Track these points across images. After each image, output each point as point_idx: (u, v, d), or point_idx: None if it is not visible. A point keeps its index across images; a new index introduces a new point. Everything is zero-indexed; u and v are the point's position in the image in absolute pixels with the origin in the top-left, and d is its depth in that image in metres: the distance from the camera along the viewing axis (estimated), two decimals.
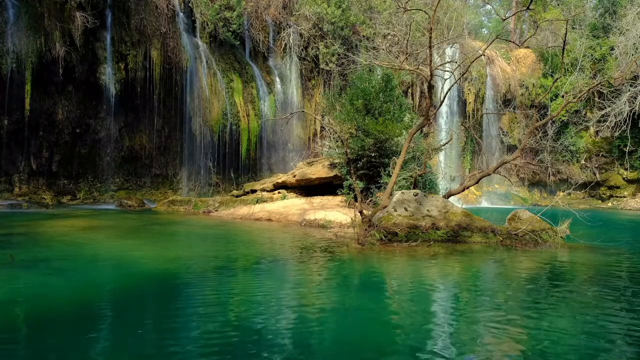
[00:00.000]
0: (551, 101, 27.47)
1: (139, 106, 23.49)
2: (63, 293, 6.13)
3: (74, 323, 5.00)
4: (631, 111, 25.15)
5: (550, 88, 14.86)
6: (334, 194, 17.57)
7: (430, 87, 11.96)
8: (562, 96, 25.74)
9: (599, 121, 26.95)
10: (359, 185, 13.75)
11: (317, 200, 17.68)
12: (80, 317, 5.18)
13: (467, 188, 14.22)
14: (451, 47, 28.53)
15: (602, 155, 29.20)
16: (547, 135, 23.09)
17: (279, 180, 19.78)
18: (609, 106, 25.39)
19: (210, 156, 24.24)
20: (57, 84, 21.38)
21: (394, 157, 14.76)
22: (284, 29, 26.88)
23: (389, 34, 27.30)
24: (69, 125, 22.29)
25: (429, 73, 11.33)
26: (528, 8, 20.34)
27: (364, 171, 16.41)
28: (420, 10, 18.23)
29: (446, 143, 14.94)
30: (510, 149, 29.49)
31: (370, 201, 15.22)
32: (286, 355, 4.15)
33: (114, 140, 23.55)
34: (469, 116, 30.03)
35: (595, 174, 29.07)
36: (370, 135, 16.23)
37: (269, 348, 4.28)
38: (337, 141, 18.06)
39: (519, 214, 11.60)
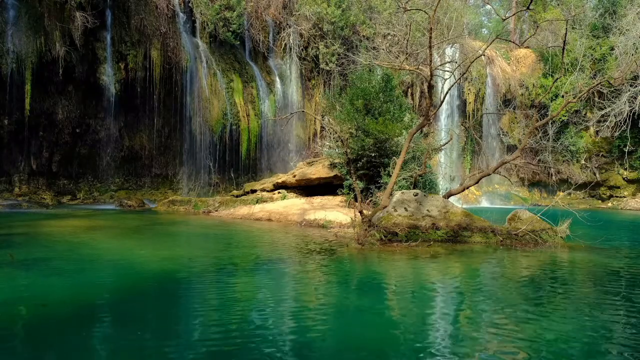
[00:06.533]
0: (551, 101, 27.45)
1: (139, 106, 23.49)
2: (63, 293, 6.13)
3: (74, 323, 5.00)
4: (631, 111, 25.13)
5: (550, 88, 14.85)
6: (334, 194, 17.56)
7: (430, 87, 11.96)
8: (562, 96, 25.72)
9: (599, 121, 26.93)
10: (359, 185, 13.75)
11: (317, 200, 17.67)
12: (80, 317, 5.18)
13: (467, 188, 14.22)
14: (451, 47, 28.52)
15: (602, 155, 29.19)
16: (547, 135, 23.09)
17: (279, 180, 19.77)
18: (609, 106, 25.37)
19: (210, 156, 24.24)
20: (57, 84, 21.38)
21: (394, 157, 14.75)
22: (284, 29, 26.88)
23: (389, 34, 27.30)
24: (69, 125, 22.29)
25: (429, 73, 11.33)
26: (528, 8, 20.31)
27: (364, 171, 16.40)
28: (420, 10, 18.23)
29: (446, 143, 14.94)
30: (510, 149, 29.48)
31: (370, 201, 15.22)
32: (286, 355, 4.15)
33: (114, 140, 23.56)
34: (469, 116, 30.02)
35: (595, 174, 29.06)
36: (370, 135, 16.22)
37: (270, 348, 4.28)
38: (337, 141, 18.06)
39: (519, 214, 11.59)
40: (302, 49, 27.05)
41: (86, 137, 23.08)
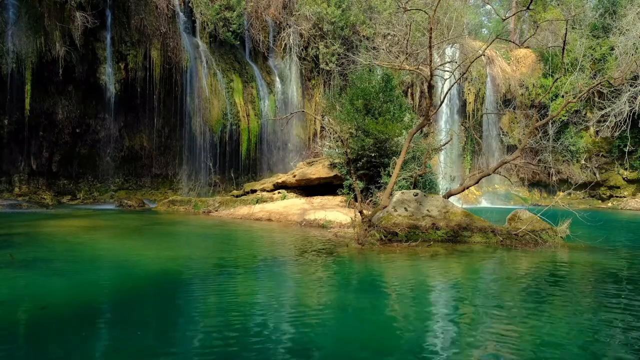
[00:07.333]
0: (551, 101, 27.45)
1: (139, 106, 23.49)
2: (63, 293, 6.13)
3: (74, 323, 5.00)
4: (631, 111, 25.13)
5: (550, 88, 14.85)
6: (334, 194, 17.57)
7: (430, 87, 11.96)
8: (562, 96, 25.73)
9: (599, 121, 26.94)
10: (359, 185, 13.75)
11: (317, 200, 17.68)
12: (80, 317, 5.18)
13: (467, 188, 14.22)
14: (451, 47, 28.52)
15: (602, 155, 29.19)
16: (547, 135, 23.10)
17: (279, 180, 19.77)
18: (609, 106, 25.38)
19: (210, 156, 24.24)
20: (57, 84, 21.39)
21: (394, 157, 14.75)
22: (284, 29, 26.88)
23: (389, 34, 27.30)
24: (69, 125, 22.29)
25: (429, 73, 11.33)
26: (528, 8, 20.30)
27: (364, 171, 16.41)
28: (420, 10, 18.23)
29: (446, 143, 14.94)
30: (510, 149, 29.48)
31: (370, 201, 15.22)
32: (286, 355, 4.15)
33: (114, 140, 23.56)
34: (469, 116, 30.03)
35: (595, 174, 29.06)
36: (370, 135, 16.23)
37: (269, 348, 4.28)
38: (337, 141, 18.06)
39: (519, 214, 11.59)
40: (302, 49, 27.06)
41: (86, 137, 23.08)
